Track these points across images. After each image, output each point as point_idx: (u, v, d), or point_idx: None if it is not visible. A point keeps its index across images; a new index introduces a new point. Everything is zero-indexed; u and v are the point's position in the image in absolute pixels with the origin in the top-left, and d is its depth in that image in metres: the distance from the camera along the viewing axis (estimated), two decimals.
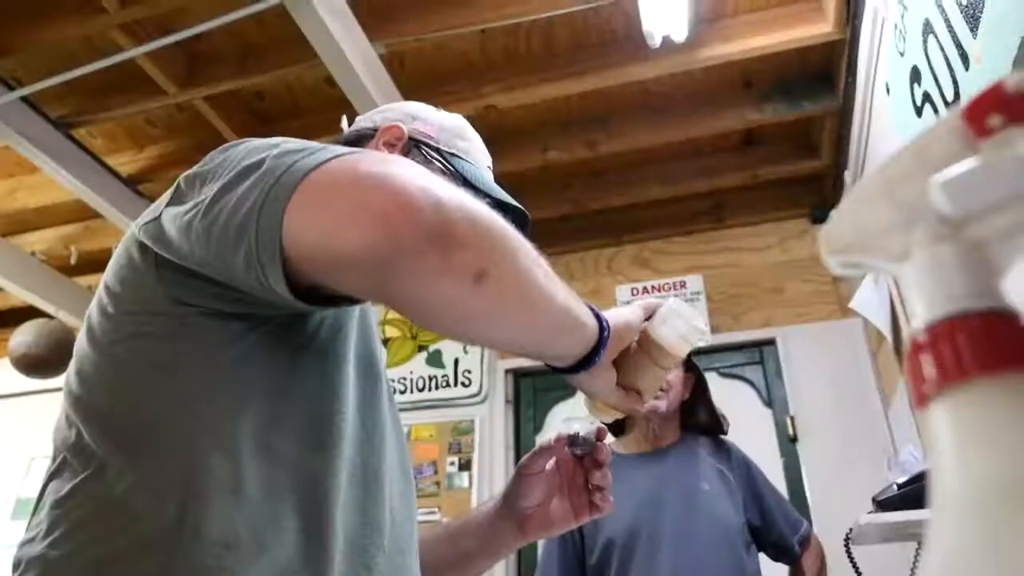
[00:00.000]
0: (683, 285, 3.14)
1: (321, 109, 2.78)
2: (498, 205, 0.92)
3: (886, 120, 1.95)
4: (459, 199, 0.54)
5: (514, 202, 0.95)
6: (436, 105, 1.05)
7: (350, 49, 2.19)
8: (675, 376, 1.82)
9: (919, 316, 0.21)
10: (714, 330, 3.03)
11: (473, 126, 1.03)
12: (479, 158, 0.98)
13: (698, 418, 1.90)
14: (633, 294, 3.16)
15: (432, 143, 0.94)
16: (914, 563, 1.49)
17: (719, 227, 3.28)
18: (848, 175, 2.53)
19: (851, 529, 1.48)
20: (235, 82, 2.53)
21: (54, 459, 0.65)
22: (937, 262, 0.20)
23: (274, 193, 0.55)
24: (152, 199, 3.23)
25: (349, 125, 1.03)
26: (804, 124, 2.87)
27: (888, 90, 1.84)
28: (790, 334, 2.95)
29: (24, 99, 2.52)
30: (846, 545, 1.49)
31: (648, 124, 2.81)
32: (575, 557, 1.75)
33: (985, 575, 0.15)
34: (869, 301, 2.19)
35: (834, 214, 0.24)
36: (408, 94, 2.55)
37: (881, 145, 2.09)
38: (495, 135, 2.86)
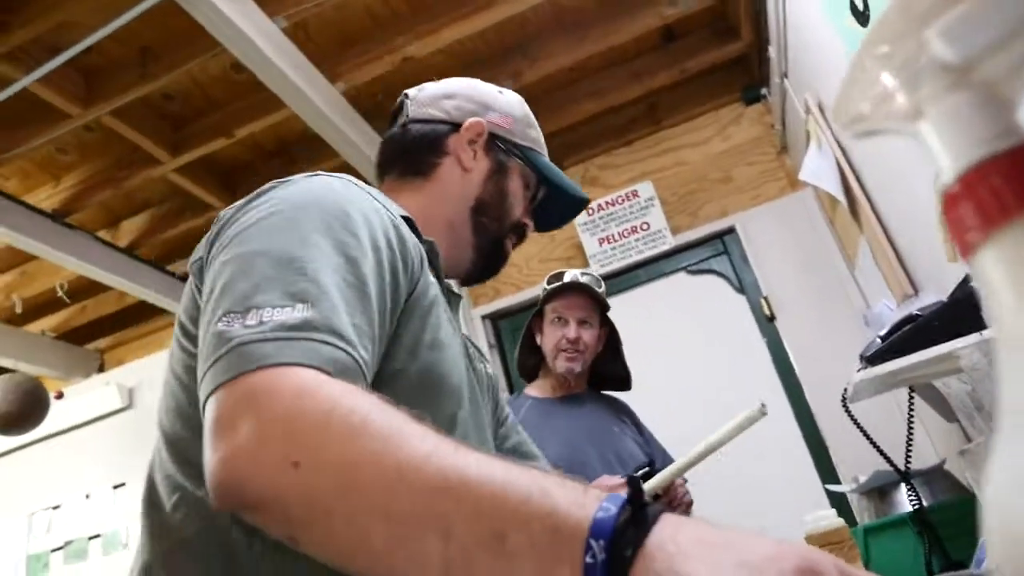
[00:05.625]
0: (635, 194, 3.15)
1: (234, 98, 2.68)
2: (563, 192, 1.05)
3: None
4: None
5: (580, 192, 1.05)
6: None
7: (251, 30, 2.09)
8: (590, 336, 1.93)
9: (947, 169, 0.21)
10: (674, 231, 3.07)
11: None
12: (543, 143, 1.05)
13: (611, 371, 2.03)
14: (589, 213, 3.16)
15: (511, 138, 1.00)
16: (909, 408, 1.56)
17: (657, 129, 3.28)
18: (772, 50, 2.54)
19: (845, 390, 1.54)
20: (139, 89, 2.41)
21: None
22: (952, 112, 0.20)
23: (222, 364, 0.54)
24: (83, 228, 3.12)
25: (406, 98, 1.03)
26: (720, 8, 2.85)
27: None
28: (747, 218, 3.00)
29: None
30: (844, 406, 1.55)
31: (567, 41, 2.77)
32: None
33: None
34: (818, 169, 2.23)
35: (839, 88, 0.23)
36: (320, 62, 2.46)
37: (800, 13, 2.09)
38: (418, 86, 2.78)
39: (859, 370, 1.50)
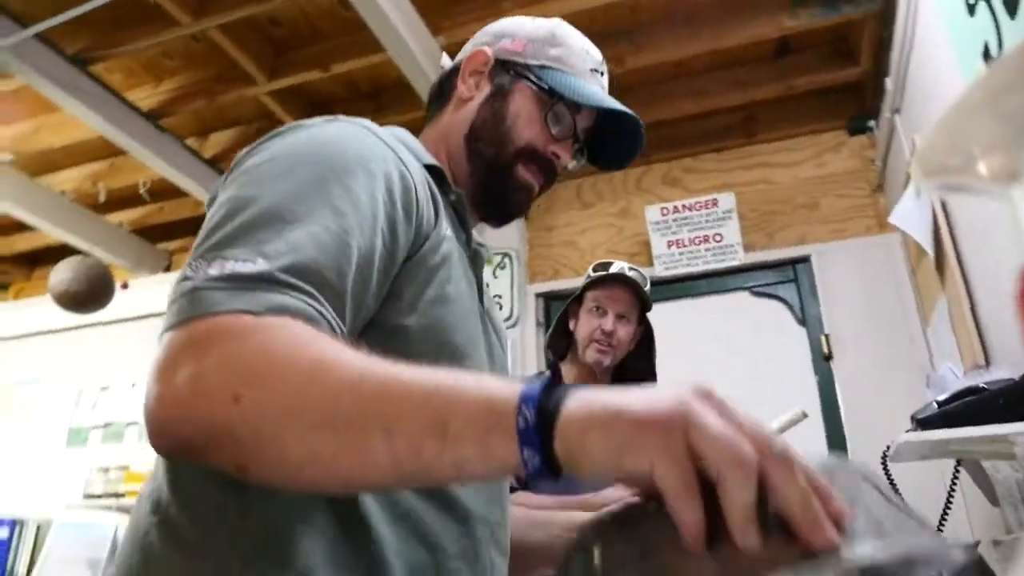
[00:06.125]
0: (714, 203, 3.06)
1: (338, 33, 2.70)
2: (605, 113, 0.93)
3: (933, 21, 1.83)
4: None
5: (621, 107, 0.91)
6: (520, 14, 1.02)
7: None
8: (625, 332, 1.86)
9: None
10: (746, 248, 2.97)
11: None
12: (577, 63, 0.93)
13: (640, 368, 1.95)
14: (663, 214, 3.09)
15: (520, 60, 0.92)
16: (952, 481, 1.48)
17: (751, 142, 3.17)
18: (889, 82, 2.41)
19: (888, 447, 1.47)
20: (248, 8, 2.45)
21: None
22: None
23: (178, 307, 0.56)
24: (173, 133, 3.22)
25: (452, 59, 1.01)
26: (843, 29, 2.72)
27: None
28: (825, 251, 2.89)
29: (39, 37, 2.48)
30: (883, 463, 1.48)
31: (676, 36, 2.68)
32: None
33: None
34: (910, 214, 2.11)
35: (929, 131, 0.20)
36: (426, 12, 2.46)
37: (928, 48, 1.98)
38: None
39: (908, 431, 1.43)
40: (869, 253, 2.81)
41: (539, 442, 0.44)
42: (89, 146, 3.25)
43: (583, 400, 0.44)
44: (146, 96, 2.95)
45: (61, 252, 3.56)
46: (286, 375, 0.50)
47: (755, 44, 2.76)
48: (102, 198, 3.46)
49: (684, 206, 3.09)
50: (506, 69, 0.92)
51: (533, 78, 0.90)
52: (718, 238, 3.01)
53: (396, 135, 0.82)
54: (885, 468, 1.50)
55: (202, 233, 0.62)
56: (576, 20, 2.84)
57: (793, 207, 3.02)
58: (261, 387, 0.50)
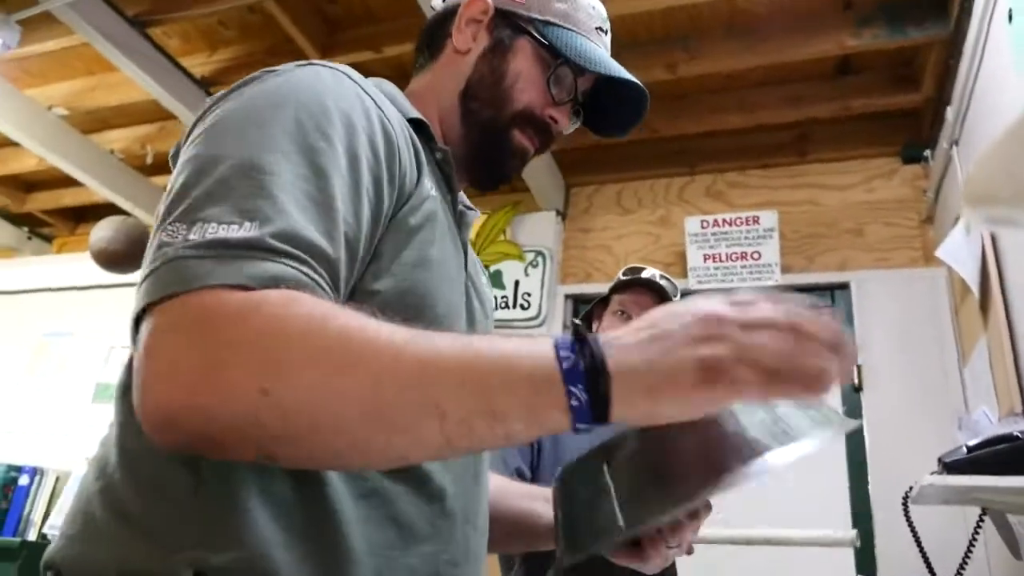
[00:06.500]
0: (756, 220, 3.00)
1: (392, 15, 2.70)
2: (607, 79, 0.87)
3: (1004, 53, 1.76)
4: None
5: (628, 75, 0.86)
6: None
7: None
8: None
9: None
10: (784, 269, 2.91)
11: None
12: (583, 19, 0.86)
13: None
14: (703, 227, 3.04)
15: (522, 12, 0.85)
16: (975, 529, 1.42)
17: (800, 161, 3.09)
18: (950, 111, 2.33)
19: (911, 488, 1.42)
20: None
21: None
22: None
23: (159, 276, 0.51)
24: None
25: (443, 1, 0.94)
26: (907, 53, 2.64)
27: (1011, 18, 1.65)
28: (866, 279, 2.81)
29: None
30: (904, 504, 1.43)
31: (734, 47, 2.63)
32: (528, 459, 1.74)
33: None
34: (958, 250, 2.04)
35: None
36: None
37: (995, 81, 1.90)
38: None
39: (933, 473, 1.37)
40: (912, 285, 2.73)
41: (593, 417, 0.47)
42: (141, 108, 3.31)
43: (627, 377, 0.47)
44: (200, 64, 2.99)
45: (106, 210, 3.63)
46: (314, 361, 0.47)
47: (814, 61, 2.69)
48: (149, 160, 3.51)
49: (725, 220, 3.03)
50: (507, 21, 0.85)
51: (537, 35, 0.84)
52: (756, 256, 2.95)
53: (379, 85, 0.77)
54: (906, 510, 1.45)
55: (171, 192, 0.56)
56: (633, 23, 2.82)
57: (837, 231, 2.94)
58: (289, 377, 0.46)
